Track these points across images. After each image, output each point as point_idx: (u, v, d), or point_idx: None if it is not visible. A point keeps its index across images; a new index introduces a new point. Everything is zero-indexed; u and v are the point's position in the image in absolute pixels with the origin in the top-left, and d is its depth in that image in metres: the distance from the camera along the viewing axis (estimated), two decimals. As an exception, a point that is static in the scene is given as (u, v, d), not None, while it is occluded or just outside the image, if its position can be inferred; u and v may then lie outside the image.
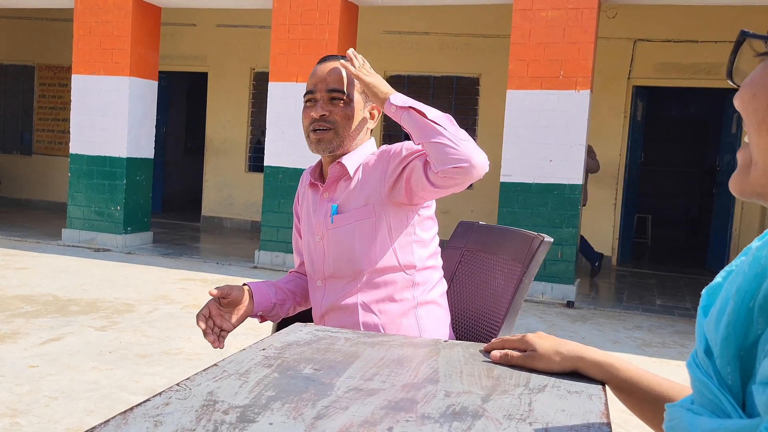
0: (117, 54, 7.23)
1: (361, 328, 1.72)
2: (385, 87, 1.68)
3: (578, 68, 5.84)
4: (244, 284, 1.74)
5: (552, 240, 1.90)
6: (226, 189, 9.77)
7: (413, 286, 1.75)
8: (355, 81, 1.76)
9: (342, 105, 1.73)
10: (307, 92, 1.76)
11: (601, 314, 5.59)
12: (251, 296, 1.71)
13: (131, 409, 0.87)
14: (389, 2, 6.80)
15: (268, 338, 1.25)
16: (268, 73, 6.99)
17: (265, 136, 6.84)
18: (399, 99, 1.63)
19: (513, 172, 6.04)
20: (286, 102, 6.62)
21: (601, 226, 8.07)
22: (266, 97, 6.91)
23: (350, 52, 1.72)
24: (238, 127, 9.68)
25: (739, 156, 0.61)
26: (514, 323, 1.89)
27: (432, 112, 1.58)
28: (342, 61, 1.72)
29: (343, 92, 1.73)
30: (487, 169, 1.55)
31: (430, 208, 1.78)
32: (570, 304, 5.80)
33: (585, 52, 5.83)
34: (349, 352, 1.17)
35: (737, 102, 0.60)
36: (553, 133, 5.91)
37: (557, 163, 5.92)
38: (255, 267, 6.76)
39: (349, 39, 6.81)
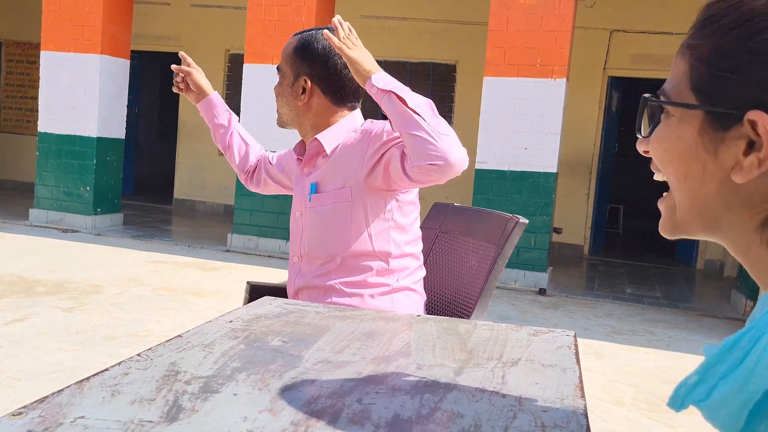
0: (88, 31, 7.05)
1: None
2: (368, 64, 1.57)
3: (555, 57, 5.84)
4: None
5: (527, 221, 1.89)
6: (199, 172, 9.64)
7: (389, 273, 1.72)
8: (289, 53, 1.73)
9: (278, 81, 1.76)
10: None
11: (572, 302, 5.63)
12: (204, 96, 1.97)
13: (87, 378, 0.83)
14: (367, -15, 6.73)
15: (236, 310, 1.22)
16: (243, 54, 6.88)
17: (240, 119, 6.72)
18: (381, 80, 1.54)
19: (488, 159, 6.03)
20: (261, 84, 6.53)
21: (575, 216, 8.12)
22: (241, 79, 6.80)
23: (336, 19, 1.61)
24: (212, 109, 9.52)
25: (663, 205, 0.67)
26: (488, 305, 1.87)
27: (413, 99, 1.49)
28: (326, 31, 1.62)
29: (278, 68, 1.76)
30: (465, 167, 1.49)
31: (410, 193, 1.73)
32: (542, 292, 5.83)
33: (562, 41, 5.83)
34: (319, 325, 1.14)
35: (652, 154, 0.66)
36: (528, 121, 5.91)
37: (532, 151, 5.92)
38: (227, 250, 6.68)
39: (326, 21, 6.73)
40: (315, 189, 1.73)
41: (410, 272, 1.78)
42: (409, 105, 1.48)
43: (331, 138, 1.71)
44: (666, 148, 0.63)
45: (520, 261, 5.96)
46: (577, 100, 7.73)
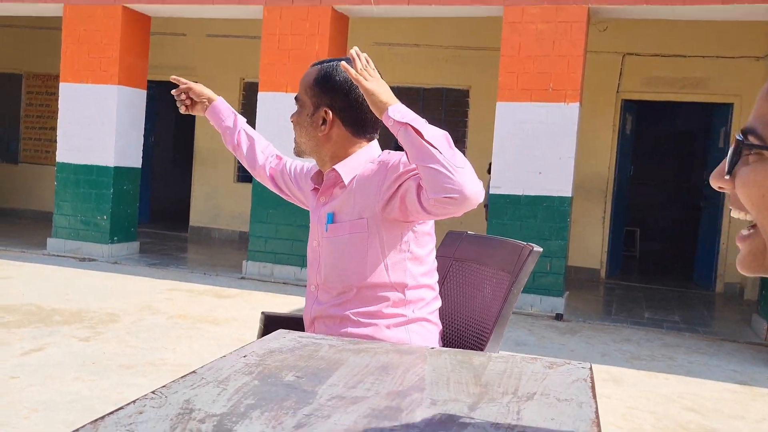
0: (105, 62, 7.18)
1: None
2: (385, 96, 1.57)
3: (567, 81, 5.85)
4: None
5: (541, 249, 1.88)
6: (214, 199, 9.71)
7: (405, 303, 1.72)
8: (308, 83, 1.74)
9: (297, 111, 1.78)
10: None
11: (590, 327, 5.58)
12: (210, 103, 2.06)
13: (102, 417, 0.84)
14: (379, 14, 6.81)
15: (250, 345, 1.22)
16: (257, 83, 6.96)
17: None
18: (398, 112, 1.54)
19: (502, 184, 6.03)
20: (276, 112, 6.59)
21: (590, 239, 8.08)
22: (256, 107, 6.88)
23: (353, 51, 1.62)
24: (227, 137, 9.62)
25: (747, 244, 0.65)
26: (503, 334, 1.86)
27: (429, 132, 1.50)
28: (343, 63, 1.64)
29: (296, 97, 1.78)
30: (481, 199, 1.49)
31: (426, 224, 1.73)
32: (559, 317, 5.77)
33: (574, 66, 5.85)
34: (333, 359, 1.14)
35: (741, 195, 0.63)
36: (542, 146, 5.91)
37: (546, 176, 5.91)
38: (243, 278, 6.70)
39: (339, 50, 6.81)
40: (332, 219, 1.74)
41: (426, 303, 1.77)
42: (426, 137, 1.48)
43: (348, 169, 1.72)
44: (765, 194, 0.60)
45: (536, 286, 5.92)
46: (591, 124, 7.73)
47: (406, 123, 1.52)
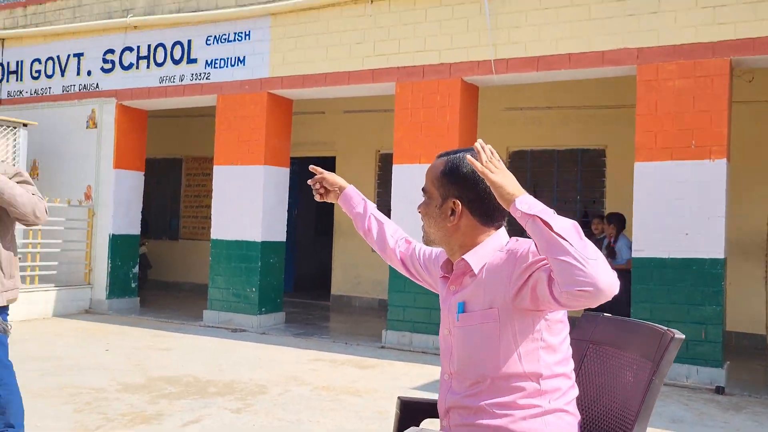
0: (253, 145, 7.76)
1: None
2: (511, 188, 1.58)
3: (711, 137, 5.56)
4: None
5: (683, 337, 1.78)
6: (354, 268, 10.01)
7: (541, 394, 1.68)
8: (436, 175, 1.79)
9: (423, 202, 1.83)
10: None
11: (758, 402, 5.08)
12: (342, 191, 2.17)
13: None
14: (509, 81, 6.87)
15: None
16: (392, 154, 7.21)
17: (390, 217, 6.98)
18: (525, 204, 1.54)
19: (645, 247, 5.75)
20: (410, 183, 6.77)
21: (751, 302, 7.43)
22: (391, 177, 7.10)
23: (478, 144, 1.65)
24: (364, 207, 9.96)
25: None
26: (647, 426, 1.76)
27: (558, 223, 1.48)
28: (468, 156, 1.67)
29: (423, 189, 1.83)
30: (616, 291, 1.45)
31: (559, 312, 1.70)
32: (720, 390, 5.31)
33: (718, 120, 5.55)
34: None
35: None
36: (687, 206, 5.61)
37: (694, 237, 5.58)
38: (382, 347, 6.80)
39: (470, 119, 6.92)
40: (462, 308, 1.75)
41: (563, 393, 1.73)
42: (555, 229, 1.47)
43: (478, 258, 1.73)
44: None
45: (690, 355, 5.51)
46: (743, 179, 7.23)
47: (534, 215, 1.51)
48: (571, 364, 1.79)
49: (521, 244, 1.71)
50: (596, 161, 8.47)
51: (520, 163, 8.69)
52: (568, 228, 1.48)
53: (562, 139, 8.56)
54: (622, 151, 7.95)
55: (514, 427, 1.67)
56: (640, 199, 5.81)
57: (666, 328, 1.80)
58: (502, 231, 1.81)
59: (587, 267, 1.43)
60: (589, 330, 2.11)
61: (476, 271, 1.73)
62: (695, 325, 5.52)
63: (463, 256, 1.75)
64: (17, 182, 2.89)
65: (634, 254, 5.81)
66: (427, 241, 1.87)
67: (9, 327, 2.93)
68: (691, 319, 5.51)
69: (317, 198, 2.20)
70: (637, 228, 5.81)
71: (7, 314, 2.98)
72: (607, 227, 6.95)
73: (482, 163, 1.62)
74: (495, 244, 1.76)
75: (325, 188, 2.19)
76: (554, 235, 1.47)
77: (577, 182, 8.43)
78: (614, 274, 1.46)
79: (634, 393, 1.80)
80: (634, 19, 5.94)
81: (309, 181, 2.19)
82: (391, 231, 2.14)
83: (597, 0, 6.11)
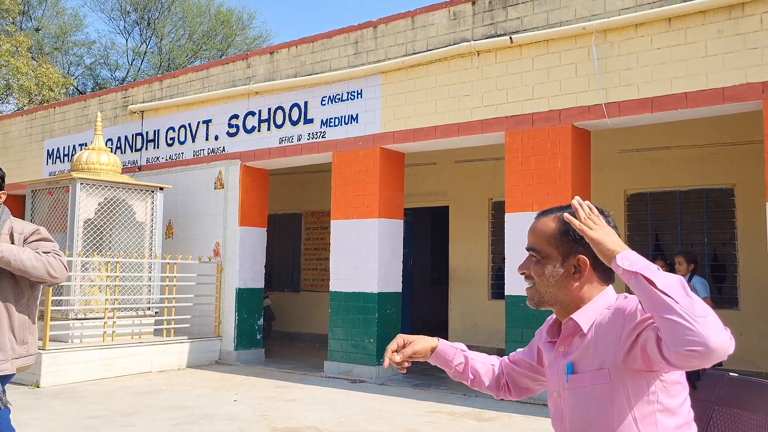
0: (367, 199, 8.00)
1: None
2: (612, 244, 1.55)
3: None
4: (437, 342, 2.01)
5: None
6: (471, 317, 9.93)
7: None
8: (552, 234, 1.74)
9: (535, 262, 1.76)
10: None
11: None
12: (434, 350, 1.99)
13: None
14: (622, 124, 6.71)
15: None
16: (504, 201, 7.18)
17: (505, 266, 6.93)
18: (627, 260, 1.51)
19: (784, 293, 5.35)
20: (523, 231, 6.67)
21: None
22: (504, 225, 7.07)
23: (575, 201, 1.63)
24: (479, 255, 9.94)
25: None
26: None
27: (662, 280, 1.44)
28: (566, 213, 1.66)
29: (534, 249, 1.76)
30: (730, 351, 1.38)
31: (675, 372, 1.62)
32: None
33: None
34: None
35: None
36: (829, 247, 5.18)
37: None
38: (501, 399, 6.65)
39: (583, 164, 6.80)
40: (571, 369, 1.71)
41: None
42: (659, 286, 1.43)
43: (587, 317, 1.70)
44: None
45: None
46: None
47: (636, 272, 1.48)
48: (694, 428, 1.71)
49: (630, 301, 1.66)
50: (724, 201, 8.01)
51: (639, 206, 8.36)
52: (672, 284, 1.44)
53: (684, 179, 8.18)
54: (752, 189, 7.48)
55: (636, 494, 1.61)
56: (775, 241, 5.44)
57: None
58: (611, 288, 1.77)
59: (696, 325, 1.38)
60: (712, 391, 2.01)
61: (585, 330, 1.70)
62: None
63: (571, 316, 1.72)
64: (35, 240, 2.90)
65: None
66: (536, 303, 1.81)
67: (9, 402, 2.78)
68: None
69: (400, 369, 1.97)
70: (773, 272, 5.42)
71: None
72: (679, 266, 6.41)
73: (581, 220, 1.60)
74: (604, 301, 1.72)
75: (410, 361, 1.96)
76: (658, 292, 1.43)
77: (704, 223, 8.00)
78: (727, 332, 1.40)
79: (765, 460, 1.70)
80: (757, 53, 5.67)
81: (394, 364, 1.94)
82: (493, 365, 2.06)
83: (713, 36, 5.90)
